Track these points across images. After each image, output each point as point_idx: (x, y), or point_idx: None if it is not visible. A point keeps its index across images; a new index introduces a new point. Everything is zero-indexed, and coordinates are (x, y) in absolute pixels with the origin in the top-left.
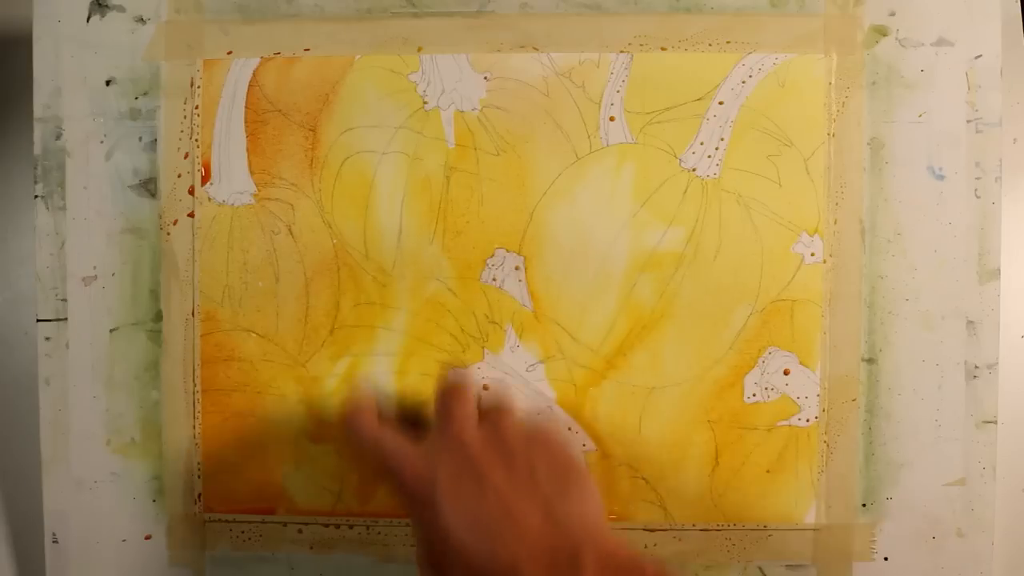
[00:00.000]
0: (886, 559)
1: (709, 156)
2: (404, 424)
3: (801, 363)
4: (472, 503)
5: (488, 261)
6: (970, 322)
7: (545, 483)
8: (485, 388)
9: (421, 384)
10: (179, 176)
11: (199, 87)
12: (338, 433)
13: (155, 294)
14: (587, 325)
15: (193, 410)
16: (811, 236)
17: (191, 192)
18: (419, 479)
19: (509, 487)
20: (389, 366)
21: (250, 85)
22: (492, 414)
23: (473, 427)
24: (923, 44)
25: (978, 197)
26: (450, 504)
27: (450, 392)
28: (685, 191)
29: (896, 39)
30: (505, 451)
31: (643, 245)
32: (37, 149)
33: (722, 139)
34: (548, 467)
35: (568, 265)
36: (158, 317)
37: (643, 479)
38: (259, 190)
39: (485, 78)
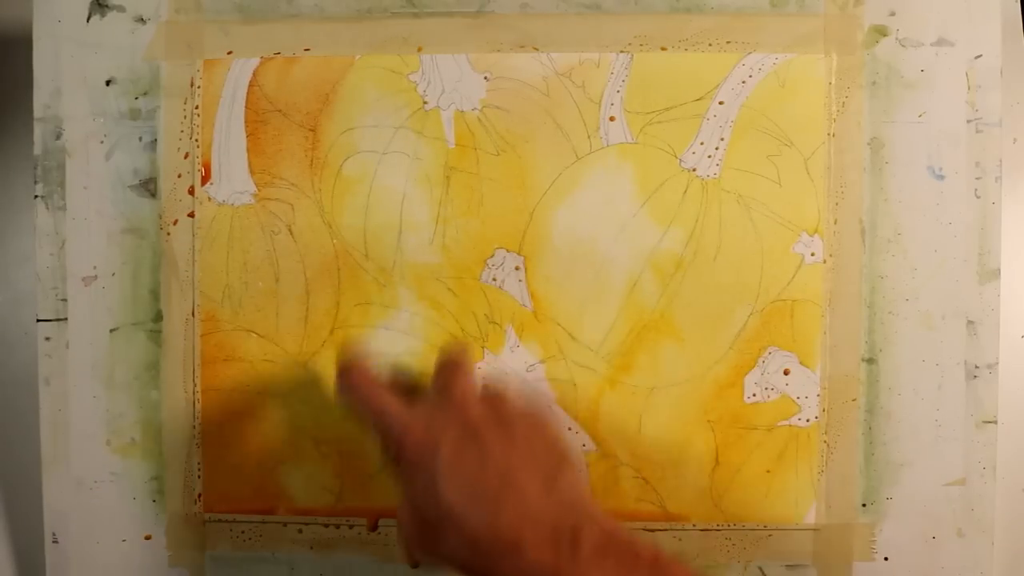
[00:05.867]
0: (886, 559)
1: (709, 156)
2: (396, 390)
3: (801, 363)
4: (475, 474)
5: (488, 261)
6: (970, 322)
7: (543, 459)
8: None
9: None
10: (179, 176)
11: (199, 87)
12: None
13: (155, 294)
14: (587, 325)
15: (193, 410)
16: (811, 236)
17: (191, 192)
18: (420, 444)
19: (510, 460)
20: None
21: (250, 85)
22: (491, 391)
23: (475, 400)
24: (923, 44)
25: (978, 197)
26: (451, 473)
27: (453, 364)
28: (685, 191)
29: (896, 39)
30: (505, 425)
31: (643, 245)
32: (37, 149)
33: (722, 139)
34: (545, 445)
35: (568, 265)
36: (158, 317)
37: (643, 479)
38: (259, 190)
39: (485, 78)
